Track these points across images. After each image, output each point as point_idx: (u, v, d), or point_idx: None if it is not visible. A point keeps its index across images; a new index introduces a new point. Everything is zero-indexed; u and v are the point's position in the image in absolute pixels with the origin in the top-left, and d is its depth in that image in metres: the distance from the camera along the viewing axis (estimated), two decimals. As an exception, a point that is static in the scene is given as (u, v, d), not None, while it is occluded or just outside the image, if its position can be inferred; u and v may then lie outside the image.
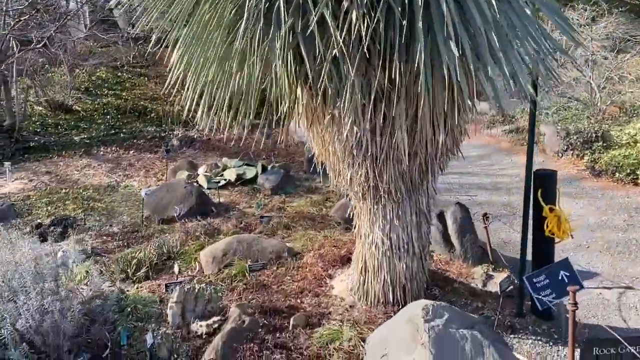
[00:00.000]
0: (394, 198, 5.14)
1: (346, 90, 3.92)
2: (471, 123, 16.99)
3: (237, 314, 5.27)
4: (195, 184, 10.29)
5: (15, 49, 12.73)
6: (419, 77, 3.96)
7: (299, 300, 5.87)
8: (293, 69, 4.08)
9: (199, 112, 4.72)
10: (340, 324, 5.23)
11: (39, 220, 8.91)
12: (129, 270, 6.70)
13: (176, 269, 6.50)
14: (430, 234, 5.73)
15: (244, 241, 6.90)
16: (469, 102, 4.88)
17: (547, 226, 5.43)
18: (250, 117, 4.95)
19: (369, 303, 5.71)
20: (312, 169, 11.18)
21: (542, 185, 5.49)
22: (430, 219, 5.57)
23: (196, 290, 5.62)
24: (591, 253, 7.76)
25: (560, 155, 12.04)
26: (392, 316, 5.41)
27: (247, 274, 6.37)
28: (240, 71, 4.55)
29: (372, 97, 4.29)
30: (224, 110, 4.80)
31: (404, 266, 5.45)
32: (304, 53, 3.79)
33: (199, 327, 5.34)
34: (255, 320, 5.21)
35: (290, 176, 10.67)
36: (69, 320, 4.77)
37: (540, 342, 5.33)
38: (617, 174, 10.23)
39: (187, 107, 4.82)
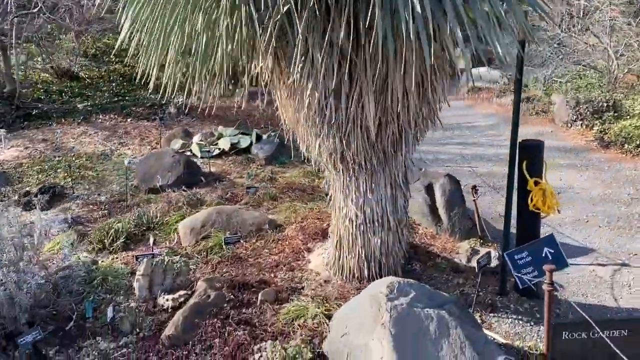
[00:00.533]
0: (365, 170, 4.84)
1: (297, 50, 3.61)
2: (479, 92, 16.40)
3: (203, 288, 5.09)
4: (188, 152, 10.10)
5: (13, 11, 12.49)
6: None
7: (272, 275, 5.67)
8: (245, 28, 3.76)
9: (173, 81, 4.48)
10: (310, 299, 5.00)
11: (27, 189, 8.81)
12: (105, 241, 6.55)
13: (151, 240, 6.33)
14: (407, 208, 5.43)
15: (224, 212, 6.69)
16: (447, 68, 4.55)
17: (532, 200, 5.10)
18: (224, 82, 4.68)
19: (344, 278, 5.48)
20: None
21: (527, 157, 5.14)
22: (407, 192, 5.27)
23: (165, 263, 5.44)
24: (590, 228, 7.41)
25: (569, 125, 11.56)
26: (366, 292, 5.19)
27: (224, 246, 6.16)
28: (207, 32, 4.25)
29: (335, 59, 3.96)
30: (201, 77, 4.53)
31: (379, 241, 5.19)
32: (251, 7, 3.48)
33: (165, 300, 5.18)
34: (221, 295, 5.02)
35: (285, 145, 10.34)
36: (24, 292, 4.63)
37: (520, 322, 5.06)
38: (626, 145, 9.77)
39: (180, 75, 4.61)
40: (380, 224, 5.12)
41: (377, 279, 5.33)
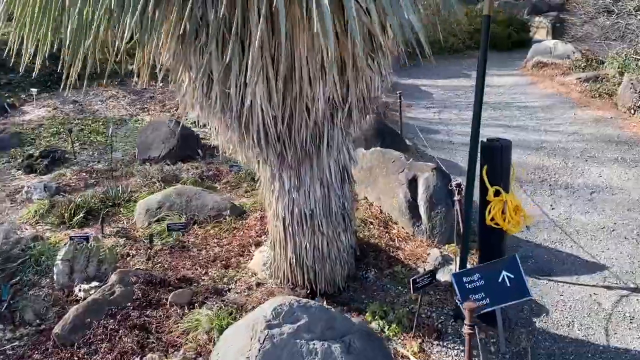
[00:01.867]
0: (289, 165, 4.13)
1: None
2: (544, 67, 14.61)
3: (112, 282, 4.65)
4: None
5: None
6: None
7: (203, 271, 5.14)
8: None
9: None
10: (222, 307, 4.43)
11: (30, 152, 8.79)
12: (65, 215, 6.29)
13: (100, 219, 5.99)
14: (349, 210, 4.66)
15: (184, 194, 6.21)
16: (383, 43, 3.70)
17: (489, 212, 4.18)
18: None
19: (279, 282, 4.85)
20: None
21: (489, 160, 4.20)
22: (347, 192, 4.50)
23: (90, 249, 5.06)
24: (613, 239, 6.23)
25: (632, 111, 9.98)
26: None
27: (174, 232, 5.70)
28: None
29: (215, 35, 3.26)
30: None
31: (310, 246, 4.49)
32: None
33: (79, 291, 4.81)
34: (128, 292, 4.57)
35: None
36: None
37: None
38: (692, 142, 8.19)
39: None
40: (310, 227, 4.41)
41: (313, 287, 4.68)
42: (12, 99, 11.50)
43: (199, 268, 5.16)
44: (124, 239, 5.82)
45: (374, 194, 6.31)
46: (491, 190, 4.19)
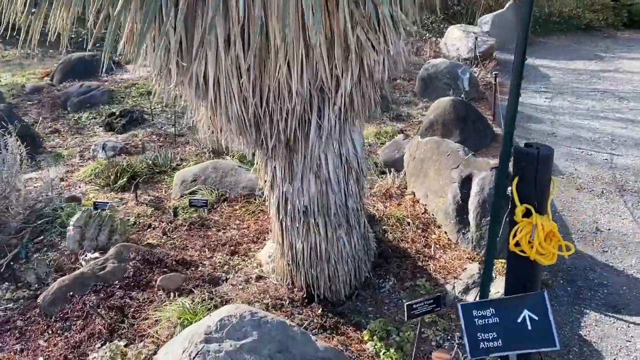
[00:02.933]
0: (279, 154, 3.62)
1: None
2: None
3: (108, 256, 4.48)
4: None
5: None
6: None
7: (208, 255, 4.82)
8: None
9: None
10: (203, 300, 4.08)
11: (113, 110, 9.04)
12: (111, 177, 6.31)
13: (134, 185, 5.90)
14: (357, 208, 4.02)
15: (220, 169, 5.91)
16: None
17: (514, 236, 3.35)
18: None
19: (280, 280, 4.40)
20: (423, 90, 9.39)
21: (522, 171, 3.34)
22: (350, 191, 3.87)
23: (103, 217, 4.95)
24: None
25: None
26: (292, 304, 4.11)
27: (198, 208, 5.44)
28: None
29: None
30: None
31: (305, 246, 3.97)
32: None
33: (84, 259, 4.72)
34: (120, 269, 4.37)
35: (382, 96, 8.99)
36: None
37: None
38: None
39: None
40: (305, 225, 3.87)
41: (312, 290, 4.16)
42: (118, 57, 11.97)
43: (206, 251, 4.84)
44: (153, 208, 5.67)
45: (422, 190, 5.55)
46: (520, 208, 3.33)
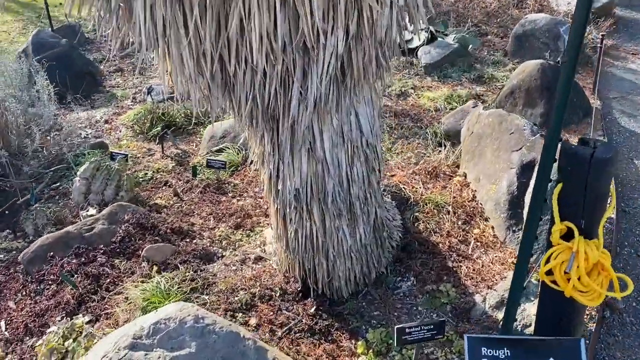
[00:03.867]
0: (268, 123, 2.96)
1: None
2: None
3: (99, 216, 4.11)
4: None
5: None
6: None
7: (211, 225, 4.33)
8: None
9: None
10: (183, 278, 3.60)
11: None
12: (146, 125, 5.97)
13: (169, 135, 5.50)
14: (367, 196, 3.28)
15: (252, 126, 5.32)
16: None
17: (546, 263, 2.52)
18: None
19: (279, 265, 3.82)
20: (515, 50, 8.19)
21: (568, 176, 2.46)
22: (354, 176, 3.14)
23: (111, 171, 4.59)
24: None
25: None
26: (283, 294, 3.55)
27: (217, 170, 4.95)
28: None
29: None
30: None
31: (300, 234, 3.34)
32: None
33: (84, 214, 4.41)
34: (109, 232, 4.00)
35: (466, 54, 7.93)
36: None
37: None
38: None
39: None
40: (298, 211, 3.22)
41: (309, 283, 3.56)
42: None
43: (211, 220, 4.35)
44: (176, 163, 5.25)
45: (475, 172, 4.65)
46: (558, 227, 2.47)
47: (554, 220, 2.45)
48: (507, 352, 2.63)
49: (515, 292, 2.83)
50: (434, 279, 3.77)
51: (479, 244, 4.08)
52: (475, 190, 4.56)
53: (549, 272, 2.52)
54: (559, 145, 2.46)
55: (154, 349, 2.49)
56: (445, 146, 5.33)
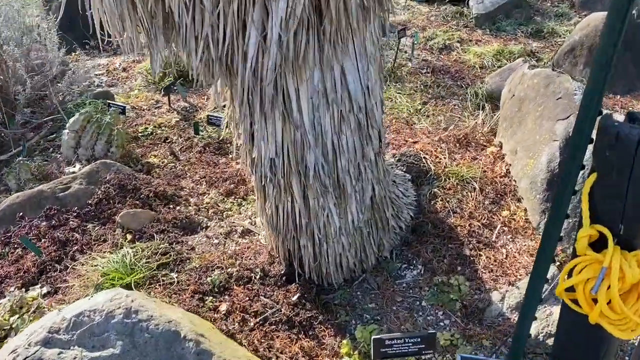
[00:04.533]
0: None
1: None
2: None
3: (78, 174, 3.73)
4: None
5: None
6: None
7: (201, 190, 3.87)
8: None
9: None
10: (155, 251, 3.18)
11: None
12: (158, 75, 5.53)
13: (164, 88, 5.04)
14: (361, 171, 2.71)
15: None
16: None
17: (567, 277, 1.90)
18: None
19: (266, 241, 3.34)
20: (585, 1, 7.20)
21: (604, 163, 1.81)
22: (346, 146, 2.56)
23: (102, 123, 4.19)
24: None
25: None
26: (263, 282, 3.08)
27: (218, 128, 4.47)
28: None
29: None
30: None
31: (281, 209, 2.82)
32: None
33: (67, 171, 4.05)
34: (86, 193, 3.62)
35: (524, 4, 7.00)
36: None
37: None
38: None
39: None
40: (275, 184, 2.69)
41: (294, 265, 3.08)
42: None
43: (202, 184, 3.89)
44: (181, 118, 4.80)
45: (512, 142, 3.95)
46: (586, 231, 1.84)
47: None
48: (510, 382, 2.06)
49: (530, 305, 2.22)
50: (445, 269, 3.18)
51: (506, 229, 3.44)
52: (510, 165, 3.87)
53: (570, 290, 1.90)
54: (597, 120, 1.79)
55: (71, 347, 2.07)
56: (484, 109, 4.61)
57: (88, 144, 4.16)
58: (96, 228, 3.43)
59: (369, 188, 2.84)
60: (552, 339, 2.80)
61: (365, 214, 2.89)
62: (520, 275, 3.14)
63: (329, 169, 2.60)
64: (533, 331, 2.56)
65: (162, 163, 4.15)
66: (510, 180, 3.76)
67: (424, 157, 3.90)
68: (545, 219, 3.41)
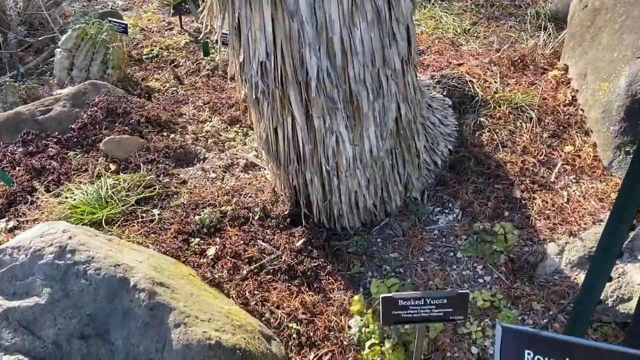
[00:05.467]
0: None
1: None
2: None
3: (62, 95, 3.24)
4: None
5: None
6: None
7: (202, 117, 3.32)
8: None
9: None
10: (138, 183, 2.68)
11: None
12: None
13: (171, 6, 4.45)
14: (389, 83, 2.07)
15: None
16: None
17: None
18: None
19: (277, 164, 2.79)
20: None
21: None
22: (354, 39, 1.92)
23: (93, 41, 3.67)
24: None
25: None
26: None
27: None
28: None
29: None
30: None
31: (280, 136, 2.25)
32: None
33: (55, 94, 3.58)
34: (69, 117, 3.14)
35: None
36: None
37: None
38: None
39: None
40: (269, 100, 2.10)
41: (300, 203, 2.53)
42: None
43: (205, 111, 3.35)
44: (191, 40, 4.23)
45: (581, 63, 3.19)
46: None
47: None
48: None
49: (604, 262, 1.58)
50: (489, 214, 2.55)
51: (568, 167, 2.75)
52: (577, 91, 3.13)
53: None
54: None
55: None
56: (546, 30, 3.83)
57: (82, 64, 3.66)
58: (77, 156, 2.95)
59: (393, 107, 2.20)
60: (625, 304, 2.17)
61: (387, 141, 2.27)
62: (586, 223, 2.47)
63: (337, 77, 1.97)
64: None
65: (164, 87, 3.63)
66: (576, 110, 3.04)
67: (470, 81, 3.20)
68: (621, 156, 2.71)
